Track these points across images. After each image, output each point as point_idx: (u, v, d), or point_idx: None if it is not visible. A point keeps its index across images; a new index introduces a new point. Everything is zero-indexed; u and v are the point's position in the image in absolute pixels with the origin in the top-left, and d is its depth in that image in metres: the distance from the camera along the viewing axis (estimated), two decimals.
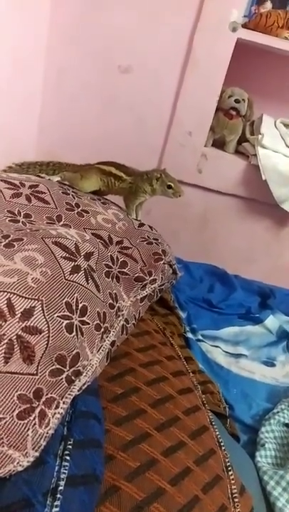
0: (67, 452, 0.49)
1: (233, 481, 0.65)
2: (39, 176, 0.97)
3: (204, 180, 1.56)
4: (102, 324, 0.63)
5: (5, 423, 0.44)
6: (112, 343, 0.67)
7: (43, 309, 0.53)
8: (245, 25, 1.44)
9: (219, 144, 1.61)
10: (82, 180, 1.00)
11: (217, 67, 1.43)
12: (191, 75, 1.45)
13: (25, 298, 0.52)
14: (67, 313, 0.56)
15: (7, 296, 0.50)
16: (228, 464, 0.68)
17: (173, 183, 1.00)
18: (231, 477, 0.66)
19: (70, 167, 1.04)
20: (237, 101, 1.51)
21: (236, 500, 0.64)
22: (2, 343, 0.47)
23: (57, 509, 0.44)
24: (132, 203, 1.02)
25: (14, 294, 0.51)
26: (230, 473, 0.66)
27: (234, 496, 0.64)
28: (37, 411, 0.47)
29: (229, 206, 1.61)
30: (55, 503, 0.44)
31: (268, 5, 1.52)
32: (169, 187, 1.00)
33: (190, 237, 1.66)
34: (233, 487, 0.65)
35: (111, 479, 0.53)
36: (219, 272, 1.46)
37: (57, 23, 1.43)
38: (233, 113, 1.53)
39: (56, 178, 0.99)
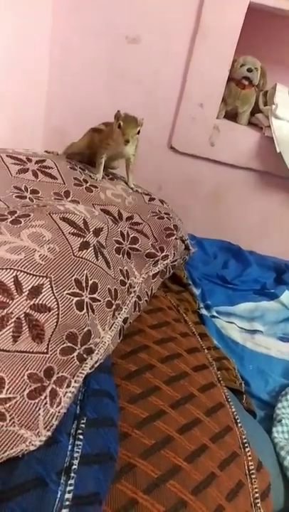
0: (80, 431, 0.48)
1: (250, 458, 0.65)
2: (46, 152, 0.95)
3: (217, 153, 1.52)
4: (113, 301, 0.62)
5: (15, 403, 0.44)
6: (125, 320, 0.66)
7: (51, 286, 0.51)
8: None
9: (231, 115, 1.56)
10: (78, 141, 0.98)
11: (228, 34, 1.37)
12: (201, 43, 1.39)
13: (33, 275, 0.50)
14: (77, 291, 0.54)
15: (14, 274, 0.49)
16: (245, 440, 0.67)
17: (124, 123, 0.86)
18: (248, 453, 0.65)
19: None
20: (249, 70, 1.45)
21: (253, 476, 0.63)
22: (10, 322, 0.46)
23: (71, 487, 0.43)
24: (99, 153, 0.93)
25: (21, 271, 0.50)
26: (247, 449, 0.66)
27: (251, 472, 0.63)
28: (48, 390, 0.46)
29: (243, 180, 1.56)
30: (69, 482, 0.44)
31: None
32: (119, 126, 0.87)
33: (203, 212, 1.63)
34: (250, 463, 0.64)
35: (126, 457, 0.53)
36: (233, 248, 1.43)
37: None
38: (246, 83, 1.47)
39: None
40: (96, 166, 0.93)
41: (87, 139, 0.97)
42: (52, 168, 0.82)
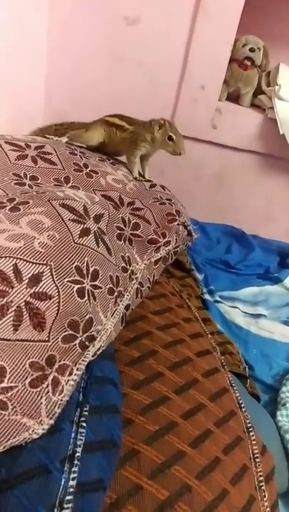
0: (83, 419, 0.48)
1: (254, 442, 0.65)
2: (45, 137, 0.93)
3: (219, 136, 1.50)
4: (115, 288, 0.61)
5: (17, 391, 0.43)
6: (127, 307, 0.65)
7: (52, 274, 0.51)
8: None
9: (234, 97, 1.53)
10: (87, 132, 0.97)
11: (229, 13, 1.34)
12: (202, 23, 1.36)
13: (33, 263, 0.50)
14: (78, 278, 0.54)
15: (13, 262, 0.48)
16: (249, 425, 0.67)
17: (175, 136, 0.92)
18: (252, 438, 0.65)
19: (80, 125, 1.01)
20: (252, 50, 1.42)
21: (257, 460, 0.63)
22: (10, 311, 0.45)
23: (75, 475, 0.43)
24: (132, 154, 0.95)
25: (21, 259, 0.49)
26: (251, 433, 0.66)
27: (255, 456, 0.63)
28: (50, 378, 0.46)
29: (246, 163, 1.54)
30: (73, 469, 0.44)
31: None
32: (170, 138, 0.92)
33: (205, 197, 1.62)
34: (254, 447, 0.64)
35: (130, 443, 0.53)
36: (237, 233, 1.42)
37: None
38: (248, 63, 1.44)
39: (65, 139, 0.96)
40: (130, 166, 0.96)
41: (100, 132, 0.97)
42: (51, 153, 0.81)
